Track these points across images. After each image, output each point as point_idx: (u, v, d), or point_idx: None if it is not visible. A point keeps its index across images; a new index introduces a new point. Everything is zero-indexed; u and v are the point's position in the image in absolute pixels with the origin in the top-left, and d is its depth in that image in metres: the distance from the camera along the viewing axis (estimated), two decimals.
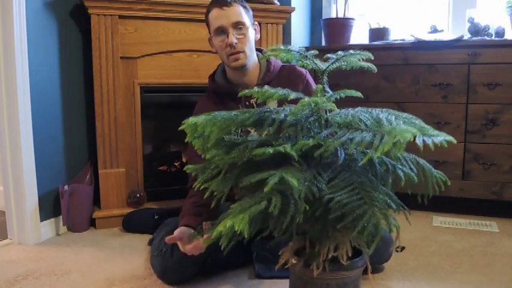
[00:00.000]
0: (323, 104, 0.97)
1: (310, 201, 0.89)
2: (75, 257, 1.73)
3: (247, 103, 1.60)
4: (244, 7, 1.57)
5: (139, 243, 1.87)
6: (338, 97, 1.05)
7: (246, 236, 0.85)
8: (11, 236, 1.90)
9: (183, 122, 1.01)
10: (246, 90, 1.05)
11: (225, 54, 1.55)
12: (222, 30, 1.54)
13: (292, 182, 0.84)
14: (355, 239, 0.99)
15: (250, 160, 0.96)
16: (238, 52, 1.53)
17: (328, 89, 1.06)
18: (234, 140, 1.02)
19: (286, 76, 1.62)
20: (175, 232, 1.40)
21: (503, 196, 2.09)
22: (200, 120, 0.97)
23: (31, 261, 1.68)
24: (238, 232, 0.84)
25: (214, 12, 1.54)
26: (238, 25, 1.53)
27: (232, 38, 1.51)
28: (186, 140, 1.04)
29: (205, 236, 1.28)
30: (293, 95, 1.02)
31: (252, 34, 1.59)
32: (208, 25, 1.60)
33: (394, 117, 0.92)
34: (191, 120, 0.98)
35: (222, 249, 0.89)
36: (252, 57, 1.59)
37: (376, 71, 1.04)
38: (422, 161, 0.99)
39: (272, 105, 1.58)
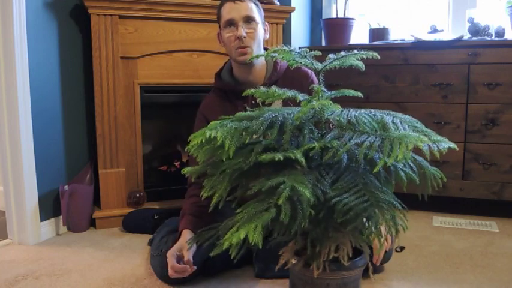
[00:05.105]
0: (329, 107, 0.97)
1: (314, 204, 0.89)
2: (75, 257, 1.73)
3: (253, 102, 1.61)
4: (257, 5, 1.60)
5: (139, 243, 1.87)
6: (333, 97, 1.05)
7: (260, 247, 0.82)
8: (11, 236, 1.90)
9: (194, 135, 0.95)
10: (253, 90, 1.06)
11: (233, 48, 1.56)
12: (231, 23, 1.55)
13: (304, 193, 0.83)
14: (356, 240, 0.99)
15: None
16: (246, 47, 1.53)
17: (324, 89, 1.07)
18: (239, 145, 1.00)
19: (291, 76, 1.63)
20: (175, 248, 1.41)
21: (503, 196, 2.09)
22: (219, 134, 0.91)
23: (31, 261, 1.68)
24: (252, 244, 0.80)
25: (227, 6, 1.55)
26: (249, 19, 1.54)
27: (242, 31, 1.52)
28: (187, 150, 0.99)
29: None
30: (300, 97, 1.02)
31: (261, 32, 1.60)
32: (219, 18, 1.60)
33: (399, 120, 0.92)
34: (208, 133, 0.91)
35: (232, 257, 0.87)
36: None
37: (363, 69, 1.04)
38: (419, 158, 1.00)
39: (277, 104, 1.59)
